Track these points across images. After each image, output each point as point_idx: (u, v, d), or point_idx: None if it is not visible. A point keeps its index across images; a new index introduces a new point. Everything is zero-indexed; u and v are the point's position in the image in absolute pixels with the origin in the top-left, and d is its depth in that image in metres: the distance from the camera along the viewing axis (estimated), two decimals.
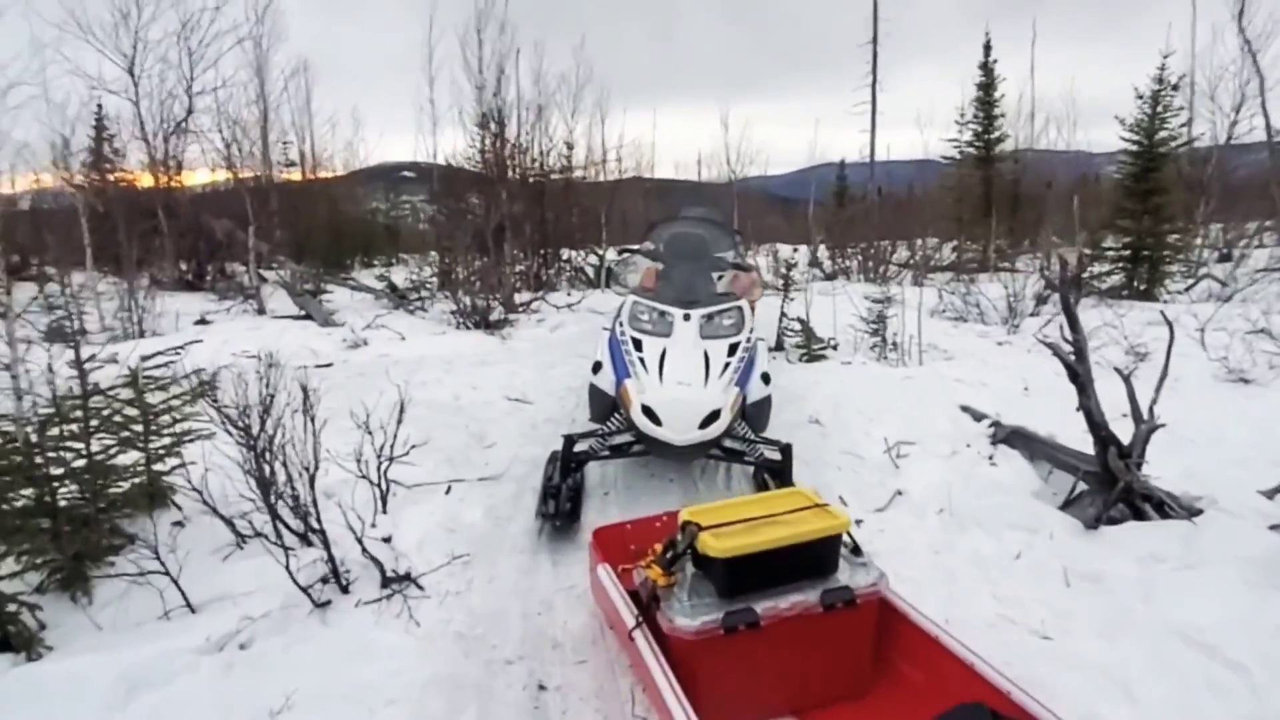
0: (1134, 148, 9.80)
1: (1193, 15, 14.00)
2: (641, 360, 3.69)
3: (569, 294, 10.23)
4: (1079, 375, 3.45)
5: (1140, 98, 9.66)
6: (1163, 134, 9.68)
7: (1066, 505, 3.70)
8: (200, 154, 11.88)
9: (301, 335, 7.49)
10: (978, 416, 4.89)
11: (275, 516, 2.96)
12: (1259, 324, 6.91)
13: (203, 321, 8.27)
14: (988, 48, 15.11)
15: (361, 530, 2.96)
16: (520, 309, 8.94)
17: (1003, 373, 6.21)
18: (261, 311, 9.08)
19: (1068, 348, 3.53)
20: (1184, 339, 6.92)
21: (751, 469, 3.97)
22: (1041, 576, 2.98)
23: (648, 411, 3.47)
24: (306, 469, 2.93)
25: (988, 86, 15.00)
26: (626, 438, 3.80)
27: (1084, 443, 3.66)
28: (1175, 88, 10.02)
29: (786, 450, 3.73)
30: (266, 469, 2.91)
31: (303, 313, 8.55)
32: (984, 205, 13.70)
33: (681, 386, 3.52)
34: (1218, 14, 16.40)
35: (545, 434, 4.79)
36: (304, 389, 3.06)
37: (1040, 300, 9.04)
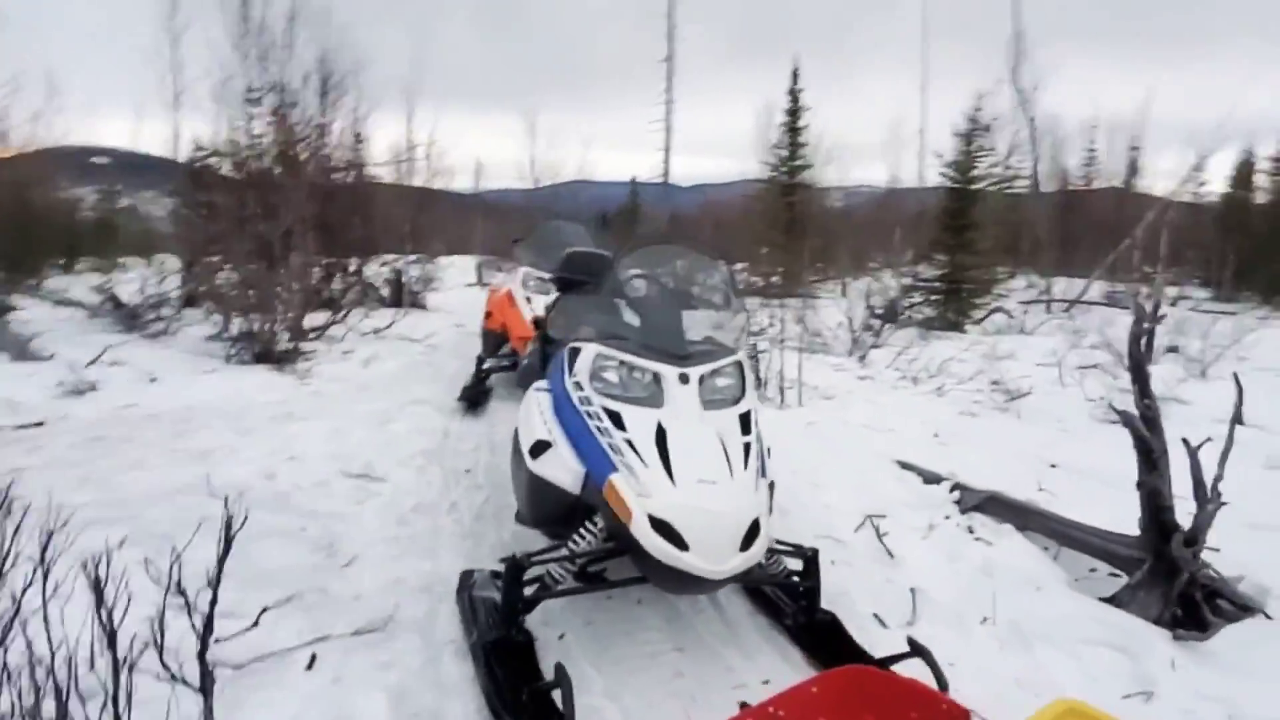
0: (950, 184, 10.35)
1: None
2: (630, 444, 2.49)
3: (367, 315, 8.44)
4: (1151, 450, 2.89)
5: (958, 135, 10.24)
6: (975, 171, 10.32)
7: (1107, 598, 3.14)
8: None
9: None
10: (929, 477, 4.30)
11: None
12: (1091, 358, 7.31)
13: None
14: (795, 74, 15.56)
15: None
16: (312, 335, 7.07)
17: (899, 416, 5.80)
18: None
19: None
20: (1035, 376, 7.16)
21: (750, 589, 2.97)
22: None
23: (662, 528, 2.29)
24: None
25: (794, 113, 15.45)
26: (607, 561, 2.59)
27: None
28: (987, 129, 10.77)
29: (812, 561, 2.75)
30: None
31: None
32: (788, 231, 13.98)
33: (705, 486, 2.39)
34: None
35: (424, 533, 3.37)
36: None
37: (871, 330, 9.05)
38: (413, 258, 10.90)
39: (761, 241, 14.44)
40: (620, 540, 2.43)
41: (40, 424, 4.38)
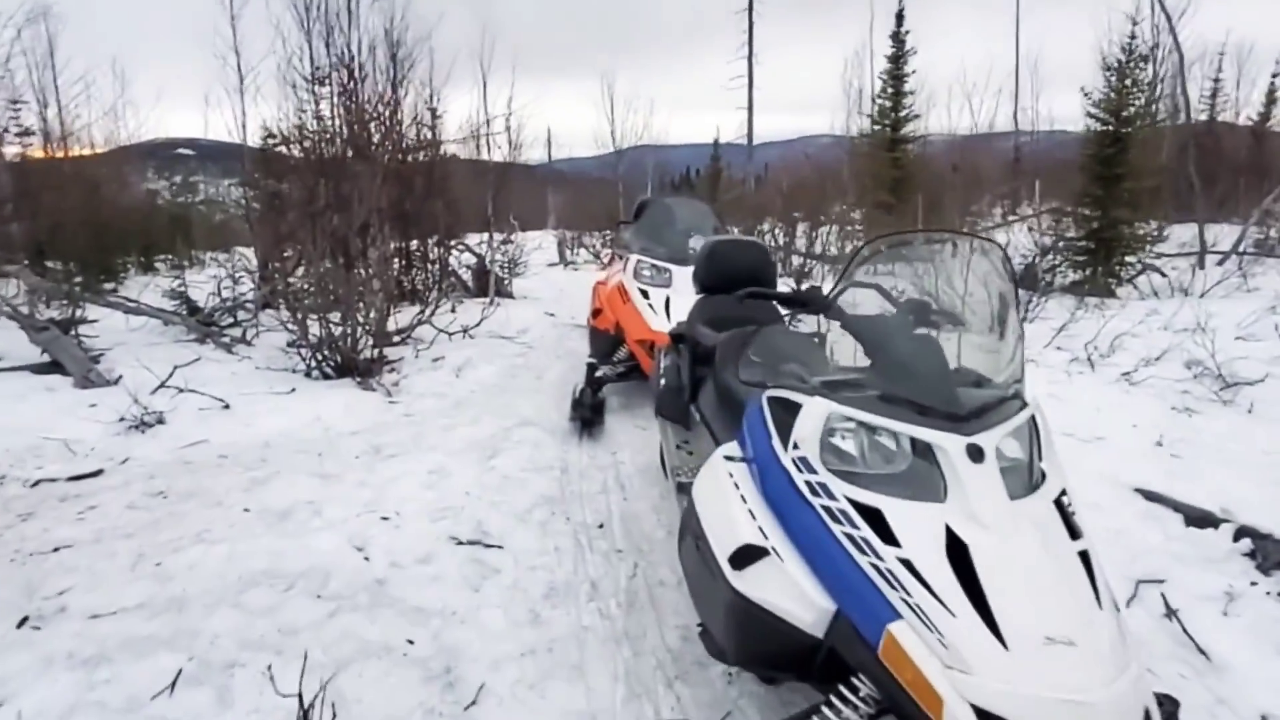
0: (1099, 125, 8.83)
1: None
2: (910, 567, 1.53)
3: (453, 310, 7.66)
4: None
5: (1108, 69, 8.69)
6: (1129, 111, 8.77)
7: None
8: None
9: (39, 408, 4.50)
10: (1192, 515, 3.20)
11: None
12: None
13: None
14: (900, 16, 13.91)
15: None
16: (397, 339, 6.33)
17: (1098, 416, 4.63)
18: None
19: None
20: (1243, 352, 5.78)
21: None
22: None
23: None
24: None
25: (898, 59, 13.90)
26: None
27: None
28: (1145, 60, 9.17)
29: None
30: None
31: (48, 359, 5.44)
32: (894, 189, 12.60)
33: (1058, 651, 1.41)
34: None
35: (564, 637, 2.50)
36: None
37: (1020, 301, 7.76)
38: (498, 238, 10.05)
39: (864, 202, 13.09)
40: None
41: (98, 473, 3.71)
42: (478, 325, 6.88)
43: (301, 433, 4.35)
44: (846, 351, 2.05)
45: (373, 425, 4.54)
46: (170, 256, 12.36)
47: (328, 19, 8.24)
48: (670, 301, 4.87)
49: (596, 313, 5.42)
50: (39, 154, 12.18)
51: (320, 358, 5.55)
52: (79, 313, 6.58)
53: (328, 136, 7.83)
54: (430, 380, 5.47)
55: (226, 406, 4.63)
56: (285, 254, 7.89)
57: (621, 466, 4.02)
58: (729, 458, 2.05)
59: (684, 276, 4.86)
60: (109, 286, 9.59)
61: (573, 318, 8.07)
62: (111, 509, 3.31)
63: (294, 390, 5.08)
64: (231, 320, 7.10)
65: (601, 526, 3.32)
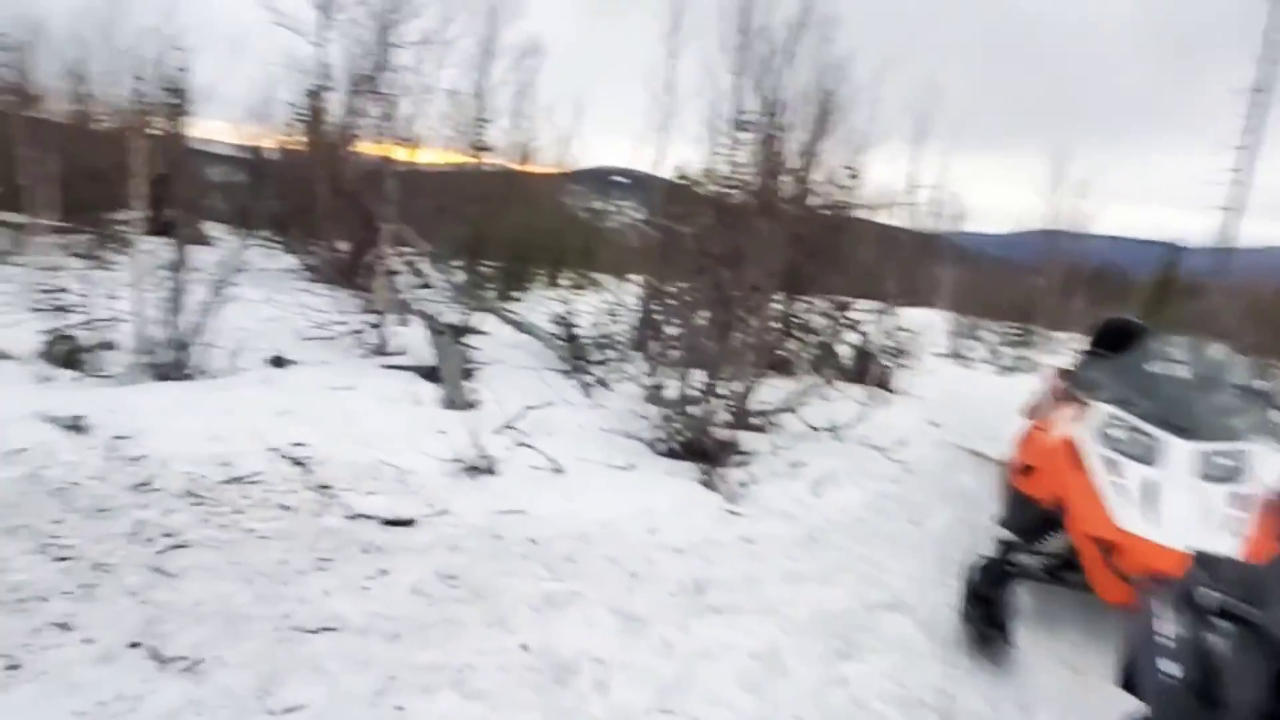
0: None
1: None
2: None
3: (824, 395, 6.55)
4: None
5: None
6: None
7: None
8: (387, 121, 9.37)
9: (400, 422, 4.44)
10: None
11: None
12: None
13: (279, 362, 5.48)
14: None
15: None
16: (758, 420, 5.44)
17: None
18: (381, 350, 6.22)
19: None
20: None
21: None
22: None
23: None
24: None
25: None
26: None
27: None
28: None
29: None
30: None
31: (435, 363, 5.60)
32: None
33: None
34: None
35: None
36: None
37: None
38: (879, 310, 8.74)
39: None
40: None
41: (409, 523, 3.35)
42: (848, 425, 5.69)
43: (624, 529, 3.62)
44: None
45: (703, 542, 3.64)
46: (575, 274, 13.26)
47: (760, 65, 7.83)
48: (1158, 489, 3.18)
49: (1024, 469, 3.83)
50: (498, 165, 13.94)
51: (672, 425, 4.88)
52: (474, 320, 6.90)
53: (737, 185, 7.32)
54: (782, 491, 4.44)
55: (558, 470, 4.13)
56: (667, 298, 7.60)
57: None
58: None
59: (1185, 455, 3.23)
60: (516, 296, 10.37)
61: (964, 437, 6.47)
62: (398, 584, 2.83)
63: (632, 467, 4.43)
64: (601, 358, 6.91)
65: None
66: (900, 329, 8.71)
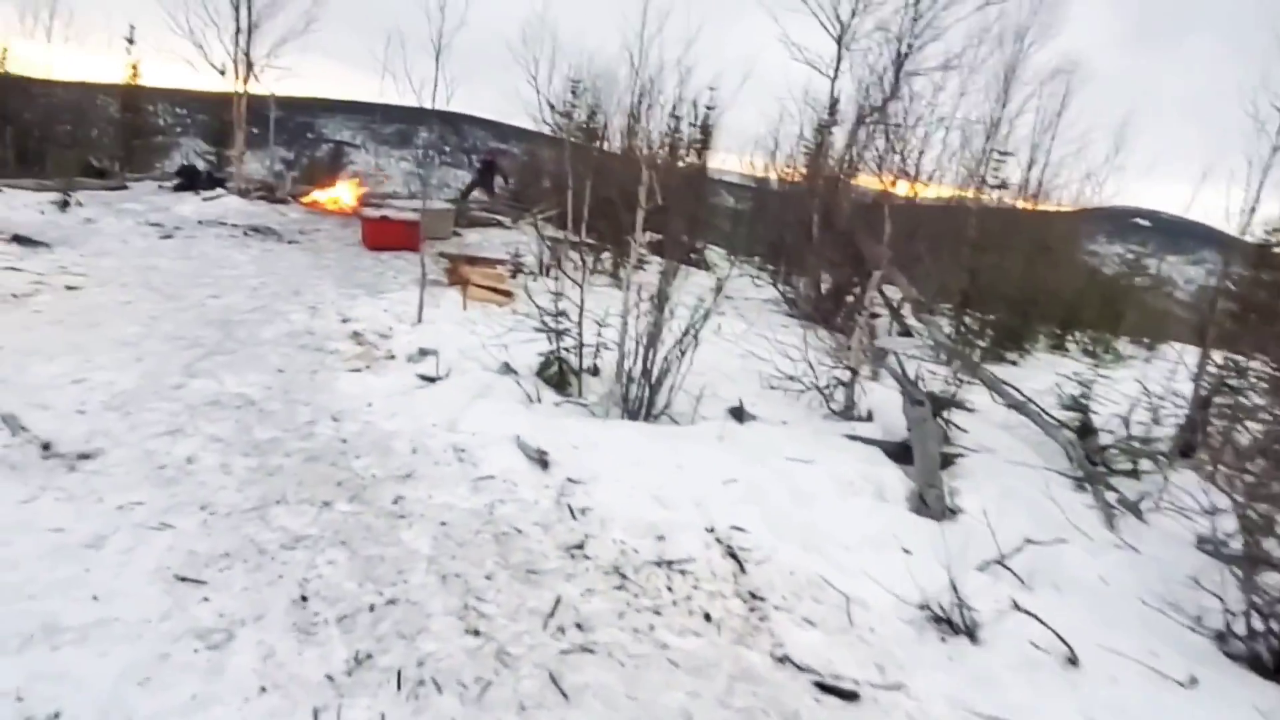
0: None
1: None
2: None
3: None
4: None
5: None
6: None
7: None
8: (892, 154, 8.64)
9: (858, 517, 3.61)
10: None
11: None
12: None
13: (738, 414, 5.02)
14: None
15: None
16: None
17: None
18: (847, 412, 5.45)
19: None
20: None
21: None
22: None
23: None
24: None
25: None
26: None
27: None
28: None
29: None
30: None
31: (907, 441, 4.66)
32: None
33: None
34: None
35: None
36: None
37: None
38: None
39: None
40: None
41: (852, 697, 2.49)
42: None
43: None
44: None
45: None
46: (1088, 337, 10.86)
47: None
48: None
49: None
50: (1013, 204, 12.19)
51: (1261, 611, 3.14)
52: (961, 392, 5.70)
53: None
54: None
55: (1072, 661, 2.82)
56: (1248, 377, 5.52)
57: None
58: None
59: None
60: (1012, 359, 8.73)
61: None
62: None
63: (1194, 684, 2.86)
64: (1131, 466, 5.13)
65: None
66: None
